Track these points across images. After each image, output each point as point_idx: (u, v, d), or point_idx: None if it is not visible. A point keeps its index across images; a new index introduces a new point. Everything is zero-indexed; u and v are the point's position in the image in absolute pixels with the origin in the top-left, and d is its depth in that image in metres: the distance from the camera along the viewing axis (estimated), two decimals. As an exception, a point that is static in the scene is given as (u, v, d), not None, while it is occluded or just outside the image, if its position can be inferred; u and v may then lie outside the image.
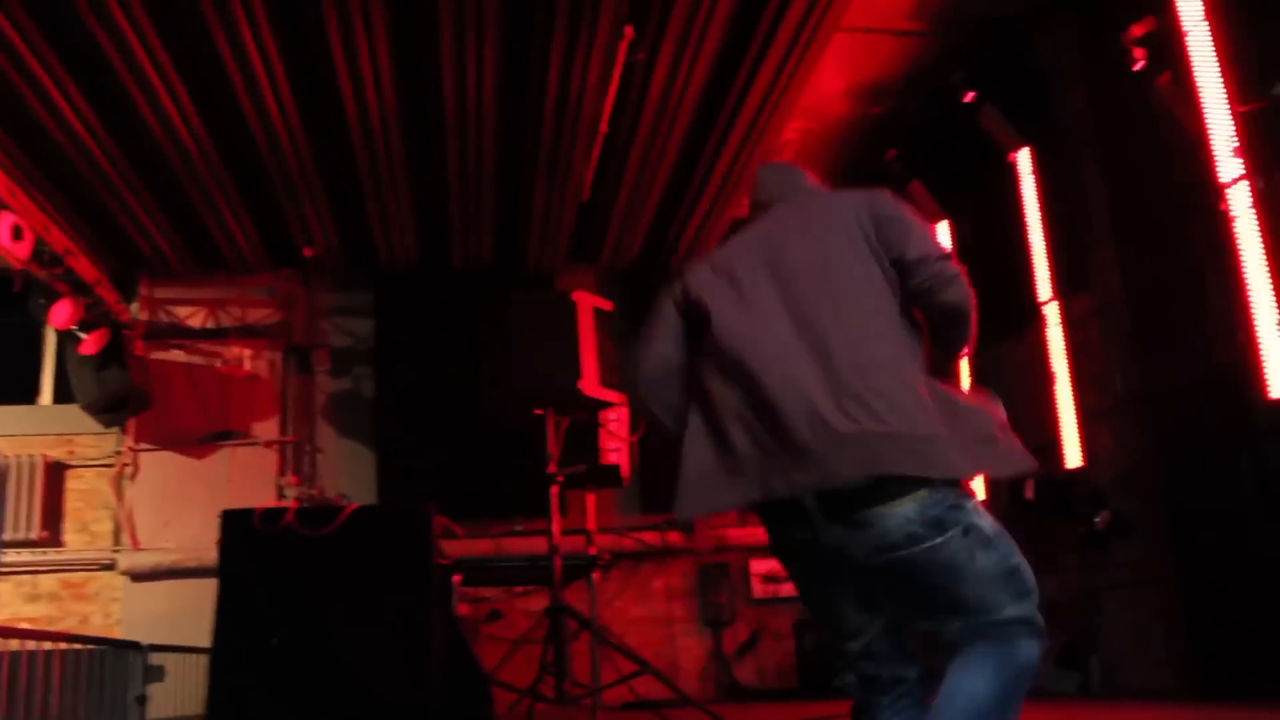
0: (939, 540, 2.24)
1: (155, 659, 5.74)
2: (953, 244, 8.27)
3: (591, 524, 6.47)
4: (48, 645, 4.61)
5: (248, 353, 9.17)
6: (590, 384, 5.47)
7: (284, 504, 5.25)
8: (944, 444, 2.27)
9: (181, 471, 8.98)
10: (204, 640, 5.12)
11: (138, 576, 8.67)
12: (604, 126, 6.97)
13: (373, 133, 7.17)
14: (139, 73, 6.30)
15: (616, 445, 6.55)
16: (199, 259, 9.00)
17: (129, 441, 8.95)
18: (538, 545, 6.61)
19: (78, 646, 5.03)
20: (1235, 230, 5.20)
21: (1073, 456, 6.80)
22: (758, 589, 9.49)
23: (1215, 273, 5.44)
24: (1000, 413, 2.57)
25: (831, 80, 7.76)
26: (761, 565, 9.51)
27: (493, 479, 8.63)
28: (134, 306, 9.15)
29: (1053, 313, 7.05)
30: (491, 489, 8.66)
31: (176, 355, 9.27)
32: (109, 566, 8.75)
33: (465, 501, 7.97)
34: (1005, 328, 7.60)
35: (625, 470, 6.52)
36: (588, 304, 5.63)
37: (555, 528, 5.53)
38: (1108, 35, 5.93)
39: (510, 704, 5.97)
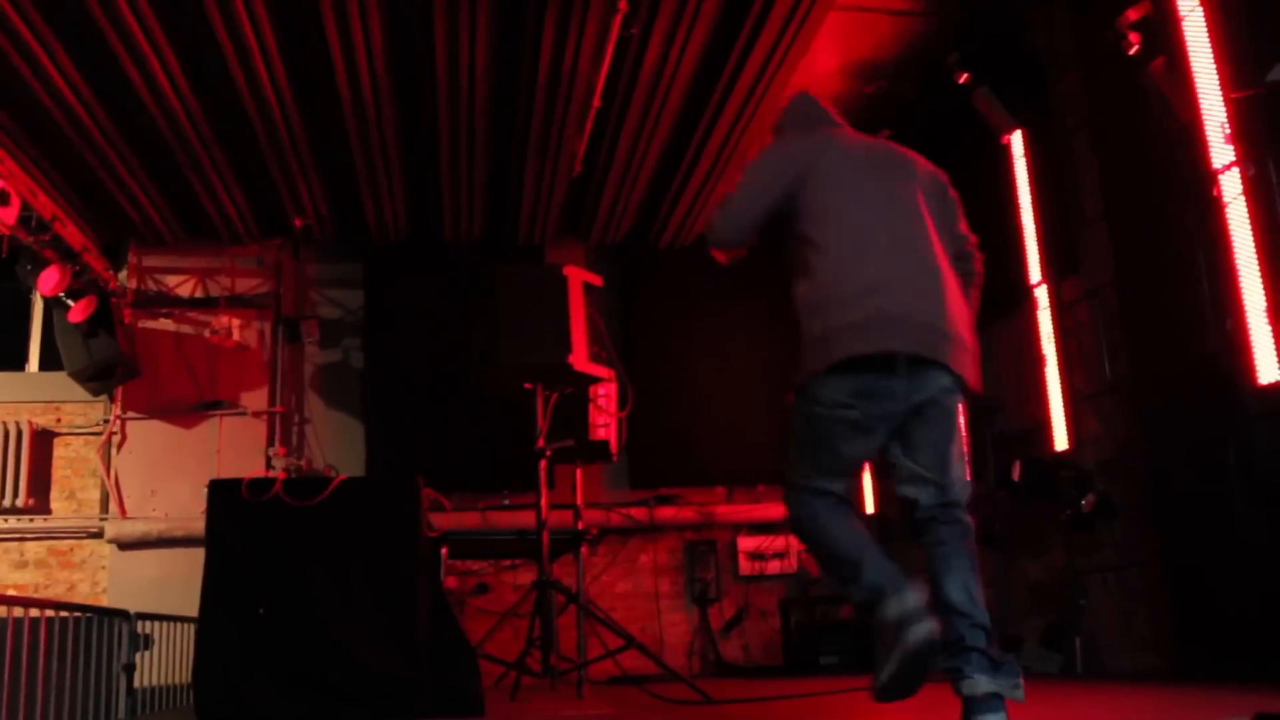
0: (956, 403, 3.21)
1: (142, 627, 5.74)
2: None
3: (580, 499, 6.48)
4: (34, 612, 4.61)
5: (237, 322, 9.15)
6: (580, 359, 5.47)
7: (272, 474, 5.25)
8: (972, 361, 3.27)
9: (169, 440, 8.98)
10: (191, 609, 5.14)
11: (125, 545, 8.67)
12: (597, 101, 6.95)
13: (364, 104, 7.14)
14: (129, 39, 6.25)
15: (605, 421, 6.56)
16: (188, 228, 8.97)
17: (117, 410, 8.94)
18: (526, 519, 6.63)
19: (64, 614, 5.03)
20: (1226, 217, 5.21)
21: (1060, 439, 6.83)
22: (744, 566, 9.53)
23: (1205, 259, 5.45)
24: None
25: (826, 58, 7.74)
26: (749, 542, 9.55)
27: (481, 452, 8.64)
28: (122, 274, 9.12)
29: (1043, 296, 7.06)
30: (480, 462, 8.67)
31: (165, 324, 9.25)
32: (96, 535, 8.76)
33: (454, 474, 7.99)
34: (995, 310, 7.60)
35: (614, 446, 6.53)
36: (578, 279, 5.62)
37: (543, 502, 5.55)
38: (1102, 19, 5.92)
39: (497, 677, 6.01)
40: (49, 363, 9.01)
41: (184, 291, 9.33)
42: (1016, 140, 7.23)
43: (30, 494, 8.48)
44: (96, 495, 8.92)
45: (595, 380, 5.83)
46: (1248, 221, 5.07)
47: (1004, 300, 7.47)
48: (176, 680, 6.17)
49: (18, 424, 8.49)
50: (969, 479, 3.30)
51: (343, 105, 7.15)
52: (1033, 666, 6.88)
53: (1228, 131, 5.20)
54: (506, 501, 8.68)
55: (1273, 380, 4.96)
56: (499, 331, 5.51)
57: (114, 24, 6.10)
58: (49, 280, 7.60)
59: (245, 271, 9.44)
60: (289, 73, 6.82)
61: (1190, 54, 5.40)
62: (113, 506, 8.79)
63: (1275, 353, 4.93)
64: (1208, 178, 5.34)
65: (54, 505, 8.78)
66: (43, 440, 8.73)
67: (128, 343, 8.38)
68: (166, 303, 9.27)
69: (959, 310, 3.26)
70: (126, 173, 7.86)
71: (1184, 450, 5.68)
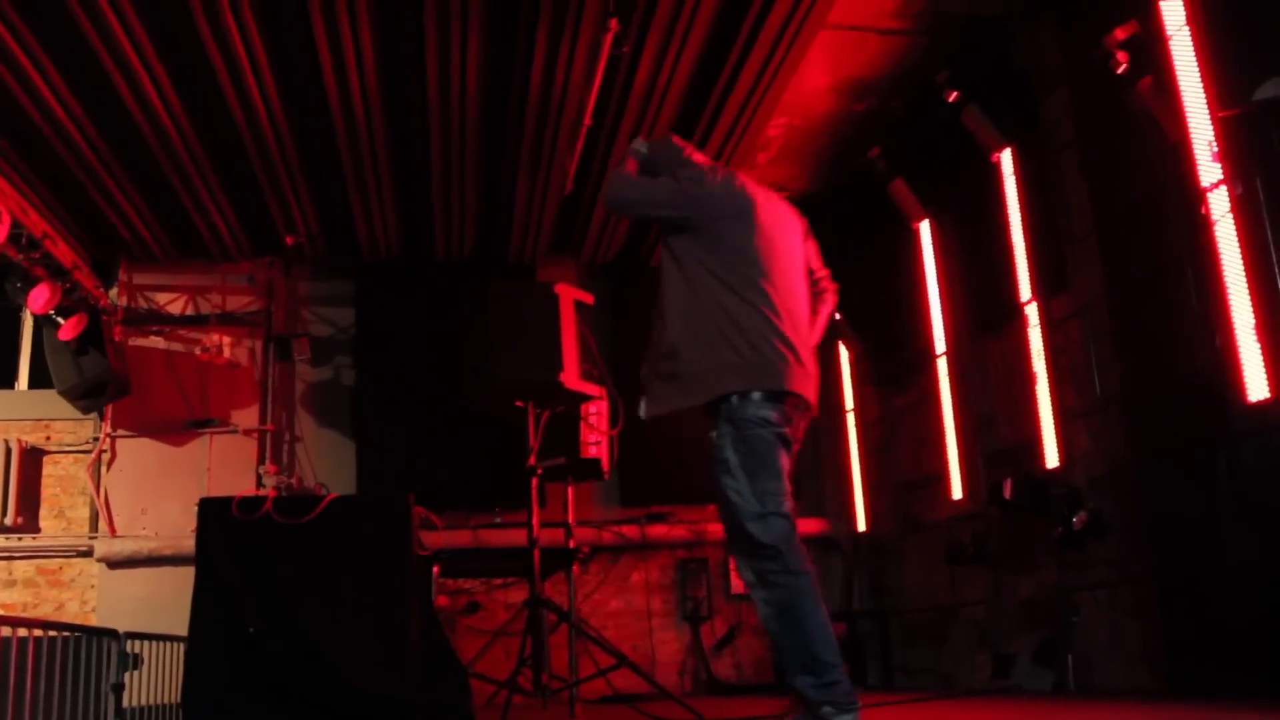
0: None
1: (132, 646, 5.72)
2: (934, 243, 8.30)
3: (571, 517, 6.48)
4: (23, 632, 4.58)
5: (228, 340, 9.13)
6: (571, 377, 5.48)
7: (263, 492, 5.24)
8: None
9: (160, 459, 8.95)
10: (181, 628, 5.12)
11: (115, 563, 8.63)
12: (588, 119, 6.97)
13: (356, 121, 7.15)
14: (120, 56, 6.25)
15: (597, 438, 6.56)
16: (179, 245, 8.96)
17: (107, 428, 8.91)
18: (517, 537, 6.64)
19: (53, 633, 5.00)
20: (1215, 234, 5.23)
21: (1051, 456, 6.84)
22: (736, 584, 9.50)
23: (1194, 276, 5.47)
24: None
25: (816, 77, 7.77)
26: (740, 560, 9.51)
27: (473, 471, 8.63)
28: (113, 292, 9.11)
29: (1033, 313, 7.08)
30: (471, 480, 8.66)
31: (156, 342, 9.23)
32: (86, 553, 8.72)
33: (445, 492, 7.98)
34: (985, 327, 7.64)
35: (605, 463, 6.54)
36: (569, 296, 5.64)
37: (535, 520, 5.54)
38: (1091, 38, 5.95)
39: (488, 696, 5.98)
40: (39, 380, 8.98)
41: (175, 309, 9.32)
42: (1006, 158, 7.26)
43: (19, 512, 8.42)
44: (86, 514, 8.88)
45: (587, 398, 5.84)
46: (1235, 239, 5.10)
47: (994, 317, 7.49)
48: (166, 700, 6.13)
49: (6, 442, 8.44)
50: None
51: (334, 122, 7.16)
52: (1025, 684, 6.88)
53: (1215, 149, 5.23)
54: (498, 520, 8.66)
55: (1262, 397, 4.97)
56: (490, 349, 5.52)
57: (105, 40, 6.10)
58: (39, 298, 7.58)
59: (236, 289, 9.43)
60: (280, 89, 6.82)
61: (1178, 72, 5.44)
62: (102, 525, 8.75)
63: (1264, 369, 4.95)
64: (1196, 195, 5.37)
65: (43, 524, 8.74)
66: (32, 458, 8.68)
67: (118, 360, 8.36)
68: (157, 320, 9.25)
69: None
70: (117, 190, 7.85)
71: (1174, 467, 5.69)
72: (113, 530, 8.74)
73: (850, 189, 9.29)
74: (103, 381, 8.22)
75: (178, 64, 6.48)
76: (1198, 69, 5.33)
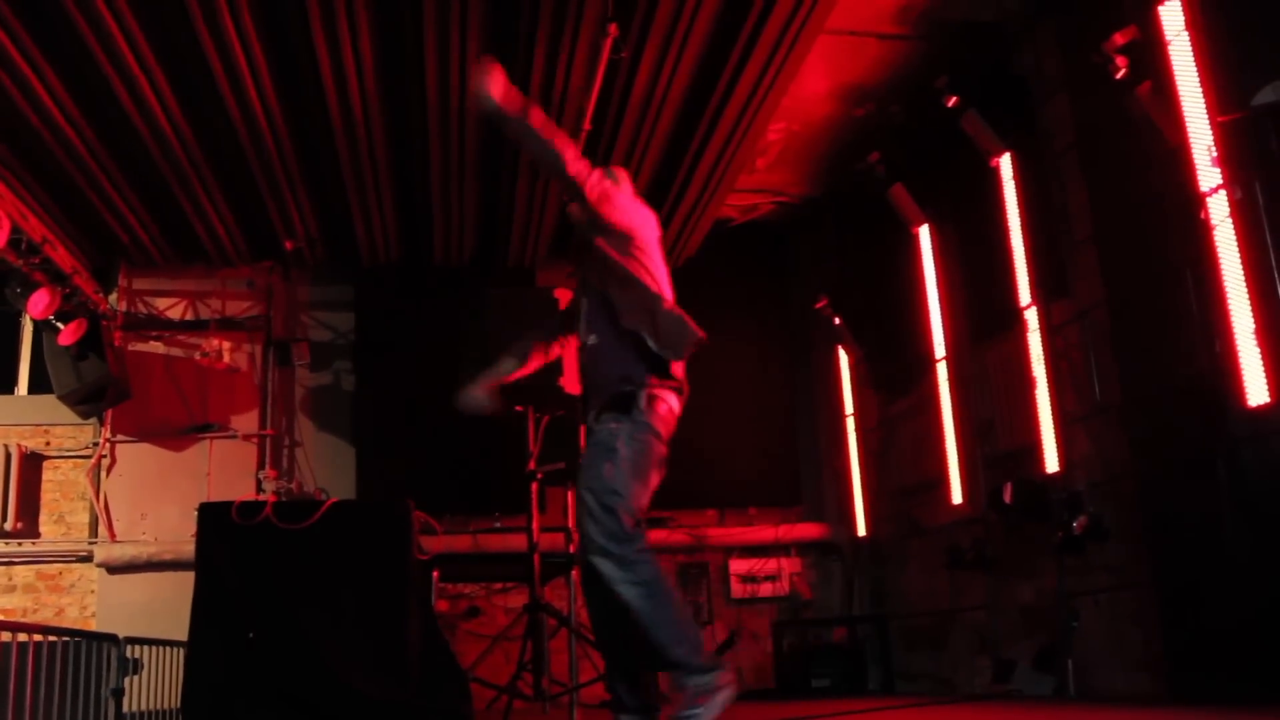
0: None
1: (131, 651, 5.71)
2: (934, 248, 8.31)
3: (571, 521, 6.47)
4: (22, 637, 4.58)
5: (227, 345, 9.13)
6: (571, 381, 5.47)
7: (262, 497, 5.24)
8: None
9: (159, 463, 8.95)
10: (181, 633, 5.12)
11: (114, 569, 8.63)
12: (587, 124, 6.96)
13: (355, 126, 7.15)
14: (119, 60, 6.25)
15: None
16: (178, 250, 8.96)
17: (106, 433, 8.91)
18: (517, 542, 6.64)
19: (53, 638, 5.00)
20: (1214, 238, 5.23)
21: (1051, 461, 6.83)
22: (736, 589, 9.52)
23: (1194, 280, 5.47)
24: None
25: (815, 82, 7.78)
26: (740, 565, 9.54)
27: (472, 475, 8.63)
28: (112, 297, 9.11)
29: (1033, 318, 7.08)
30: (471, 485, 8.66)
31: (155, 347, 9.23)
32: (86, 558, 8.71)
33: (445, 497, 7.99)
34: (985, 332, 7.64)
35: (605, 469, 6.52)
36: (568, 301, 5.63)
37: (534, 525, 5.54)
38: (1090, 43, 5.96)
39: (488, 701, 5.98)
40: (38, 385, 8.98)
41: (174, 314, 9.32)
42: (1005, 163, 7.26)
43: (19, 517, 8.43)
44: (85, 519, 8.87)
45: (586, 403, 5.82)
46: (1235, 243, 5.10)
47: (994, 322, 7.49)
48: (166, 705, 6.13)
49: (6, 447, 8.45)
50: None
51: (333, 126, 7.16)
52: (1025, 689, 6.87)
53: (1214, 154, 5.23)
54: (498, 524, 8.66)
55: (1262, 401, 4.97)
56: (490, 354, 5.51)
57: (104, 45, 6.10)
58: (39, 303, 7.59)
59: (236, 294, 9.43)
60: (279, 94, 6.82)
61: (1177, 78, 5.44)
62: (102, 530, 8.75)
63: (1264, 374, 4.95)
64: (1195, 200, 5.37)
65: (43, 529, 8.74)
66: (32, 463, 8.69)
67: (118, 365, 8.36)
68: (157, 325, 9.26)
69: None
70: (117, 195, 7.85)
71: (1174, 472, 5.69)
72: (112, 535, 8.73)
73: (849, 194, 9.30)
74: (102, 386, 8.23)
75: (177, 68, 6.48)
76: (1197, 74, 5.33)
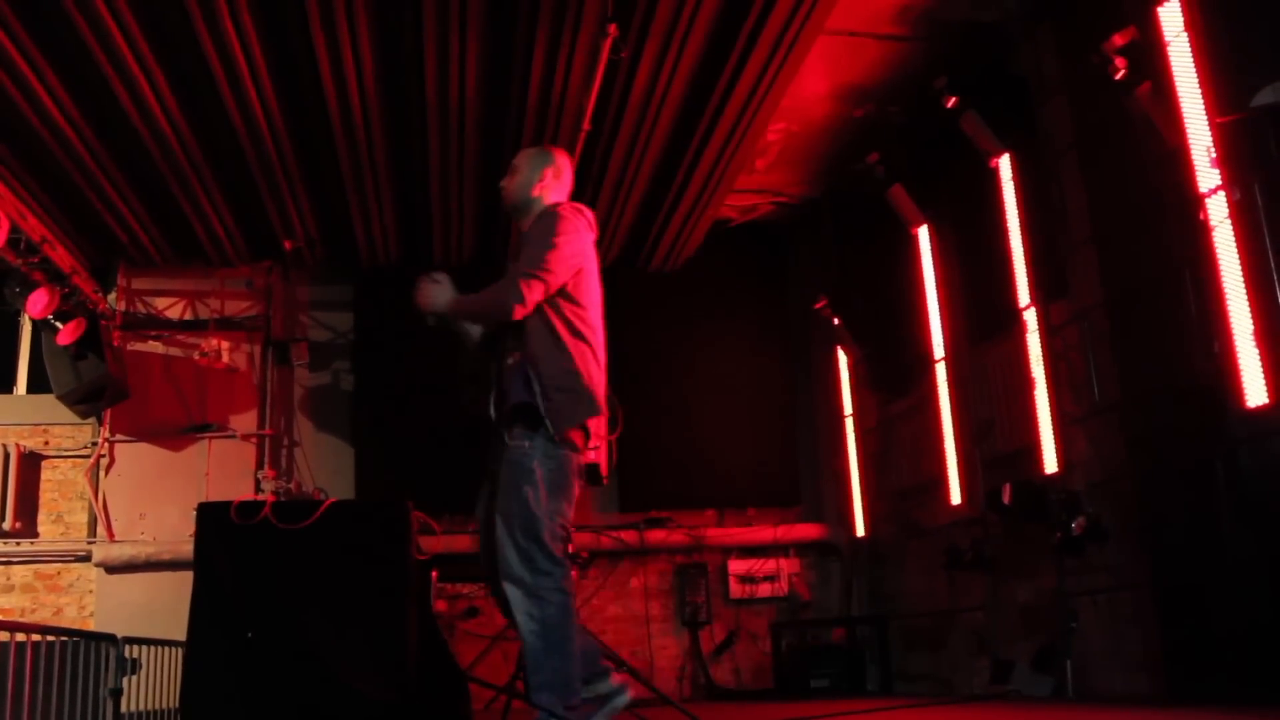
0: None
1: (130, 651, 5.71)
2: (933, 248, 8.31)
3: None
4: (20, 637, 4.58)
5: (226, 345, 9.13)
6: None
7: (261, 497, 5.24)
8: None
9: (158, 463, 8.95)
10: (179, 633, 5.11)
11: (113, 568, 8.62)
12: (586, 124, 6.97)
13: (354, 126, 7.15)
14: (119, 61, 6.26)
15: (595, 444, 6.55)
16: (178, 250, 8.96)
17: (105, 432, 8.91)
18: (515, 542, 6.59)
19: (51, 638, 5.00)
20: (1213, 239, 5.23)
21: (1050, 462, 6.83)
22: (735, 589, 9.52)
23: (1193, 281, 5.47)
24: None
25: (815, 83, 7.79)
26: (739, 565, 9.54)
27: (471, 476, 8.53)
28: (111, 297, 9.11)
29: (1031, 319, 7.08)
30: (470, 486, 8.55)
31: (154, 346, 9.23)
32: (84, 558, 8.71)
33: (443, 497, 7.96)
34: (984, 333, 7.64)
35: (604, 469, 6.54)
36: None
37: (533, 525, 5.52)
38: (1089, 44, 5.96)
39: (487, 701, 5.98)
40: (37, 385, 8.98)
41: (173, 314, 9.32)
42: (1004, 164, 7.26)
43: (17, 517, 8.41)
44: (84, 518, 8.87)
45: (585, 403, 5.80)
46: (1234, 244, 5.10)
47: (993, 323, 7.49)
48: (164, 705, 6.13)
49: (5, 446, 8.43)
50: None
51: (333, 127, 7.16)
52: (1024, 690, 6.87)
53: (1213, 155, 5.23)
54: (496, 524, 8.64)
55: (1260, 403, 4.97)
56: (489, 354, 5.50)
57: (103, 46, 6.10)
58: (38, 302, 7.59)
59: (235, 294, 9.44)
60: (279, 94, 6.83)
61: (1176, 78, 5.44)
62: (100, 529, 8.75)
63: (1263, 375, 4.95)
64: (1194, 201, 5.37)
65: (41, 528, 8.73)
66: (30, 463, 8.67)
67: (116, 365, 8.36)
68: (156, 325, 9.26)
69: None
70: (116, 195, 7.85)
71: (1173, 472, 5.69)
72: (111, 535, 8.73)
73: (848, 195, 9.30)
74: (101, 386, 8.22)
75: (176, 68, 6.49)
76: (1196, 75, 5.33)
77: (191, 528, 5.09)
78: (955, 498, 7.98)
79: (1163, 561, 5.79)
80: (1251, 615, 5.02)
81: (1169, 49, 5.49)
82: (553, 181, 4.31)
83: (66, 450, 9.00)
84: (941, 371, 8.23)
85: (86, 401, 8.39)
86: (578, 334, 3.93)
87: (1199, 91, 5.32)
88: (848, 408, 9.84)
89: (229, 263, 9.21)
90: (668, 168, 8.06)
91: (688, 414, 9.61)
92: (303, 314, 9.58)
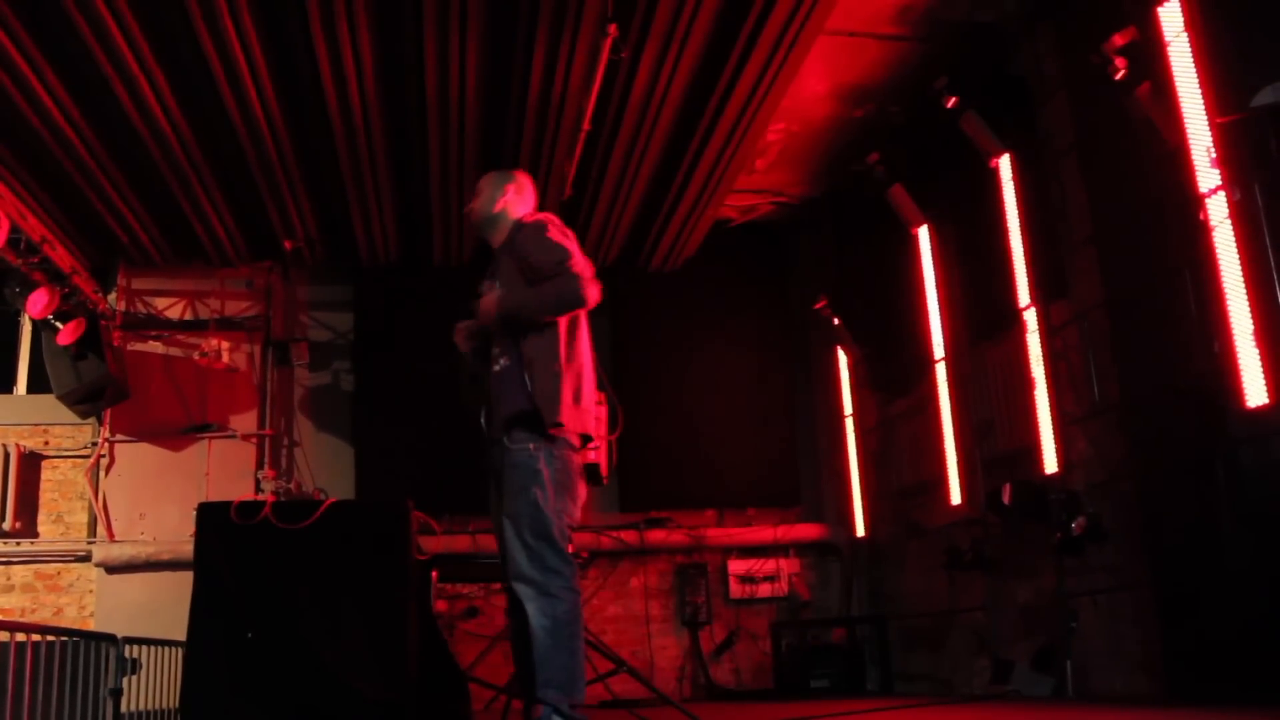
0: None
1: (130, 651, 5.71)
2: (933, 249, 8.30)
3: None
4: (20, 637, 4.58)
5: (226, 345, 9.12)
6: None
7: (261, 497, 5.23)
8: None
9: (158, 463, 8.95)
10: (179, 633, 5.11)
11: (113, 568, 8.62)
12: (587, 124, 6.97)
13: (354, 126, 7.15)
14: (119, 61, 6.26)
15: (595, 444, 6.54)
16: (178, 250, 8.96)
17: (105, 432, 8.91)
18: (515, 542, 6.59)
19: (51, 638, 5.00)
20: (1213, 240, 5.23)
21: (1050, 462, 6.83)
22: (735, 589, 9.52)
23: (1193, 282, 5.47)
24: None
25: (815, 83, 7.79)
26: (739, 565, 9.54)
27: (472, 475, 8.54)
28: (111, 297, 9.11)
29: (1031, 319, 7.08)
30: (470, 485, 8.58)
31: (154, 346, 9.23)
32: (84, 558, 8.71)
33: (443, 497, 7.98)
34: (984, 333, 7.64)
35: (604, 469, 6.52)
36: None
37: (533, 525, 5.52)
38: (1089, 44, 5.96)
39: (486, 701, 5.99)
40: (37, 385, 8.97)
41: (173, 314, 9.32)
42: (1004, 164, 7.26)
43: (17, 517, 8.42)
44: (84, 518, 8.87)
45: (585, 403, 5.80)
46: (1234, 244, 5.10)
47: (993, 323, 7.49)
48: (164, 705, 6.13)
49: (5, 447, 8.44)
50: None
51: (333, 128, 7.16)
52: (1024, 690, 6.87)
53: (1214, 156, 5.23)
54: (497, 524, 8.64)
55: (1260, 403, 4.97)
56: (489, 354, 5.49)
57: (104, 46, 6.10)
58: (38, 302, 7.59)
59: (235, 294, 9.44)
60: (279, 94, 6.82)
61: (1176, 79, 5.44)
62: (100, 529, 8.75)
63: (1263, 375, 4.95)
64: (1194, 201, 5.37)
65: (41, 528, 8.73)
66: (30, 463, 8.68)
67: (116, 365, 8.36)
68: (156, 325, 9.26)
69: None
70: (116, 195, 7.85)
71: (1173, 473, 5.69)
72: (111, 535, 8.73)
73: (849, 195, 9.30)
74: (101, 386, 8.22)
75: (176, 69, 6.48)
76: (1196, 75, 5.33)
77: (191, 528, 5.08)
78: (955, 498, 7.98)
79: (1162, 562, 5.79)
80: (1251, 615, 5.02)
81: (1169, 49, 5.49)
82: (515, 197, 4.33)
83: (66, 450, 9.00)
84: (941, 371, 8.23)
85: (86, 401, 8.39)
86: (570, 335, 4.01)
87: (1199, 91, 5.32)
88: (848, 408, 9.84)
89: (229, 263, 9.21)
90: (668, 168, 8.06)
91: (688, 414, 9.61)
92: (303, 314, 9.58)
